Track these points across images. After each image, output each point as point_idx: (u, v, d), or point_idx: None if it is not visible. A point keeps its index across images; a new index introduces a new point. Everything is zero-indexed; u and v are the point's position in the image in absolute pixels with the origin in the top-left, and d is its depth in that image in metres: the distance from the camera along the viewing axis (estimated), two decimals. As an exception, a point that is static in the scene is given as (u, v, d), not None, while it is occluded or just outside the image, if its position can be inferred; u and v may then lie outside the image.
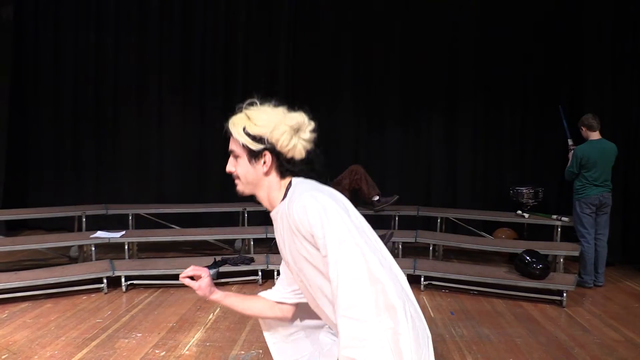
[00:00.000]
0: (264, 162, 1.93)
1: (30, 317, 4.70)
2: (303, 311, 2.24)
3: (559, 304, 5.29)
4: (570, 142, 6.25)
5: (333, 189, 1.99)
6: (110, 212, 6.90)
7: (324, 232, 1.74)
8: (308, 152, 1.95)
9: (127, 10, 7.88)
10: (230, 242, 6.99)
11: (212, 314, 4.86)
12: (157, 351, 4.06)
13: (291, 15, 7.81)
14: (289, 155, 1.93)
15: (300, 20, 7.88)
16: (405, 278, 1.94)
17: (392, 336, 1.69)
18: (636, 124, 6.92)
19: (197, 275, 2.18)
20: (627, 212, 6.92)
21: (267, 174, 1.95)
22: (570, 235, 6.34)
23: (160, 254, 6.71)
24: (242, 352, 4.05)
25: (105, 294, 5.38)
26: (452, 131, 7.85)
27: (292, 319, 2.27)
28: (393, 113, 7.86)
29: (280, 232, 1.97)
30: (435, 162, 7.89)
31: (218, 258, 5.91)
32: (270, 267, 5.77)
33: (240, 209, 7.02)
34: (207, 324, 4.62)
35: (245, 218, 6.96)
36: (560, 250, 6.05)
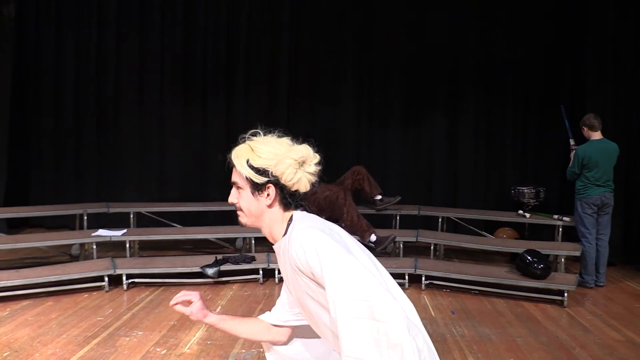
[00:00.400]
0: (268, 195, 1.90)
1: (32, 315, 4.71)
2: (305, 333, 2.21)
3: (560, 304, 5.29)
4: (572, 142, 6.25)
5: (334, 224, 1.96)
6: (112, 210, 6.90)
7: (322, 271, 1.70)
8: (312, 185, 1.92)
9: (128, 9, 7.88)
10: (232, 241, 6.99)
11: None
12: (158, 349, 4.07)
13: (292, 16, 7.81)
14: (294, 188, 1.90)
15: (301, 21, 7.88)
16: (413, 310, 1.90)
17: None
18: (638, 124, 6.91)
19: (187, 300, 2.15)
20: (629, 212, 6.92)
21: (270, 206, 1.92)
22: (571, 235, 6.34)
23: (161, 253, 6.72)
24: (243, 351, 4.06)
25: (107, 292, 5.38)
26: (453, 131, 7.85)
27: (289, 341, 2.26)
28: (394, 113, 7.86)
29: (283, 267, 1.96)
30: (437, 161, 7.89)
31: (219, 257, 5.92)
32: (272, 265, 5.77)
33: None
34: (208, 323, 4.62)
35: (247, 217, 6.94)
36: (562, 250, 6.04)
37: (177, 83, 7.94)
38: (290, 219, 1.92)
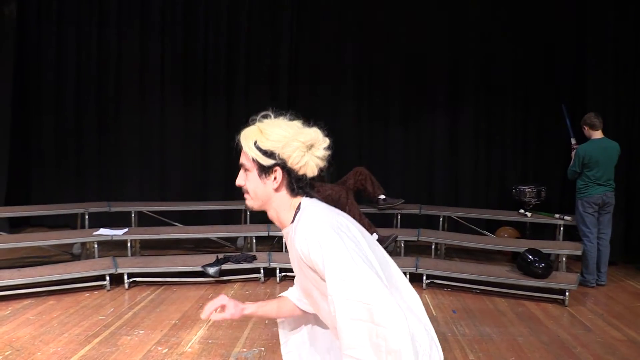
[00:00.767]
0: (275, 178, 1.85)
1: (33, 314, 4.72)
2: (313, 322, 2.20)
3: (561, 303, 5.29)
4: (573, 141, 6.24)
5: (345, 214, 1.91)
6: (113, 209, 6.91)
7: (324, 268, 1.67)
8: (321, 170, 1.86)
9: (129, 8, 7.89)
10: (233, 240, 7.00)
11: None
12: (159, 348, 4.07)
13: (293, 16, 7.81)
14: (300, 172, 1.84)
15: (302, 21, 7.88)
16: (420, 304, 1.91)
17: None
18: (638, 123, 6.90)
19: (220, 306, 2.14)
20: (630, 212, 6.92)
21: (277, 190, 1.87)
22: (572, 234, 6.34)
23: (162, 252, 6.73)
24: (245, 350, 4.06)
25: (108, 291, 5.39)
26: (454, 130, 7.85)
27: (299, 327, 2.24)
28: (394, 113, 7.86)
29: (291, 253, 1.92)
30: (438, 161, 7.89)
31: (220, 256, 5.93)
32: (273, 265, 5.77)
33: (242, 207, 7.01)
34: (209, 322, 4.63)
35: (248, 216, 6.96)
36: (563, 249, 6.04)
37: (177, 82, 7.95)
38: (299, 207, 1.87)
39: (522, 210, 6.79)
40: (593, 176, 5.76)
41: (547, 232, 6.86)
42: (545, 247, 5.89)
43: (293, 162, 1.82)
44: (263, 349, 4.06)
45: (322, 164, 1.86)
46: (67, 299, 5.14)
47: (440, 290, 5.60)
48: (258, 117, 1.92)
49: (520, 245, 5.96)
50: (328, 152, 1.88)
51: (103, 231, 6.12)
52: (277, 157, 1.82)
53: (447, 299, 5.39)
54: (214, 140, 7.94)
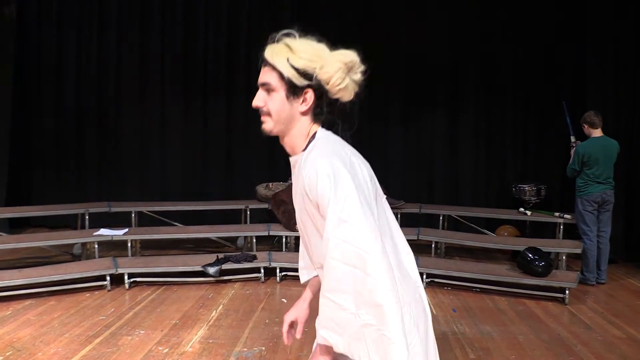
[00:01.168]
0: (304, 101, 1.73)
1: (34, 315, 4.72)
2: None
3: (562, 301, 5.29)
4: (572, 138, 6.25)
5: (360, 155, 1.82)
6: (113, 209, 6.91)
7: (328, 204, 1.57)
8: (357, 96, 1.76)
9: (129, 9, 7.89)
10: (233, 240, 7.00)
11: (214, 312, 4.88)
12: (160, 348, 4.08)
13: (293, 16, 7.81)
14: (337, 95, 1.73)
15: (302, 20, 7.85)
16: (412, 259, 1.83)
17: (377, 337, 1.53)
18: (638, 122, 6.90)
19: (292, 322, 2.03)
20: (630, 210, 6.92)
21: (303, 114, 1.75)
22: (572, 232, 6.34)
23: (163, 252, 6.73)
24: (245, 349, 4.07)
25: (109, 291, 5.39)
26: (454, 129, 7.86)
27: None
28: (395, 111, 7.86)
29: (295, 182, 1.81)
30: (437, 160, 7.89)
31: (220, 256, 5.93)
32: (273, 264, 5.77)
33: (242, 207, 7.02)
34: (210, 321, 4.63)
35: (248, 216, 6.96)
36: (563, 247, 6.05)
37: (177, 82, 7.96)
38: (314, 135, 1.77)
39: (522, 209, 6.80)
40: (592, 174, 5.77)
41: (547, 230, 6.87)
42: (545, 245, 5.90)
43: (333, 84, 1.71)
44: (263, 348, 4.06)
45: (357, 89, 1.77)
46: (67, 299, 5.14)
47: (441, 289, 5.61)
48: (278, 36, 1.78)
49: (520, 244, 5.97)
50: (363, 78, 1.79)
51: (103, 231, 6.12)
52: (312, 78, 1.71)
53: (447, 297, 5.39)
54: (214, 140, 7.95)
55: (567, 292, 5.28)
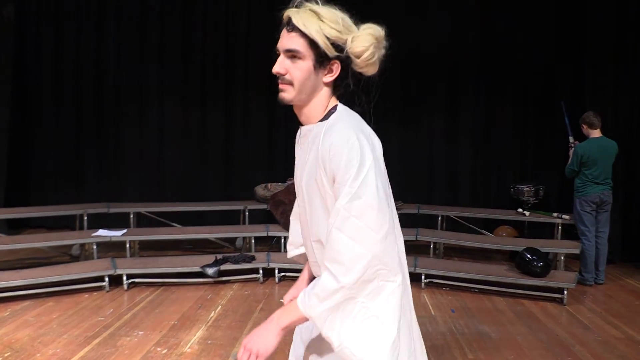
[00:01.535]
0: (329, 72, 1.69)
1: (33, 316, 4.72)
2: None
3: (560, 301, 5.30)
4: (571, 138, 6.26)
5: (375, 137, 1.84)
6: (112, 210, 6.90)
7: (346, 180, 1.55)
8: (382, 70, 1.75)
9: (127, 10, 7.88)
10: (232, 241, 6.99)
11: (213, 312, 4.88)
12: (158, 349, 4.08)
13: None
14: (363, 70, 1.71)
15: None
16: (404, 250, 1.81)
17: (369, 318, 1.55)
18: (637, 122, 6.91)
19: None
20: (628, 210, 6.93)
21: (327, 85, 1.72)
22: (571, 233, 6.35)
23: (161, 252, 6.73)
24: (244, 350, 4.06)
25: (107, 292, 5.39)
26: (453, 129, 7.86)
27: None
28: (394, 111, 7.86)
29: (306, 151, 1.76)
30: (436, 160, 7.90)
31: (219, 256, 5.93)
32: (271, 265, 5.78)
33: (241, 208, 7.02)
34: (208, 322, 4.64)
35: (247, 216, 6.96)
36: (561, 248, 6.05)
37: (176, 84, 7.95)
38: (334, 107, 1.75)
39: (520, 210, 6.80)
40: (591, 175, 5.78)
41: (545, 231, 6.88)
42: (544, 246, 5.90)
43: (365, 59, 1.69)
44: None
45: (381, 64, 1.75)
46: (66, 300, 5.14)
47: (439, 290, 5.61)
48: (298, 1, 1.71)
49: (519, 244, 5.97)
50: (386, 53, 1.76)
51: (102, 232, 6.12)
52: (343, 50, 1.67)
53: (445, 298, 5.39)
54: (212, 140, 7.94)
55: (565, 292, 5.29)
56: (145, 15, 7.90)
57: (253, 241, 6.42)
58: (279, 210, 6.39)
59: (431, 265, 5.79)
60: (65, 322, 4.59)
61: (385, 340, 1.55)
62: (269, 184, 7.00)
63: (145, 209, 7.06)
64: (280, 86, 1.71)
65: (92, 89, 7.99)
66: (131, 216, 6.85)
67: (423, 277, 5.63)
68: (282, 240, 6.34)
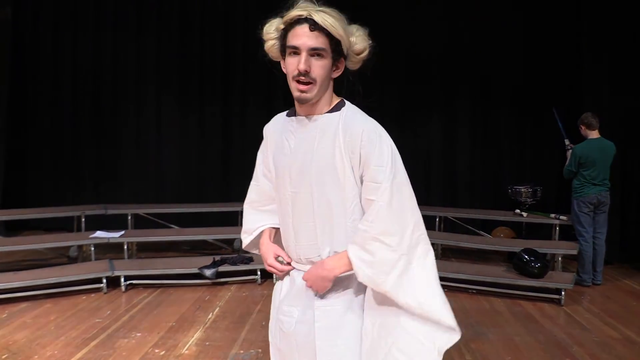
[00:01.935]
0: (337, 69, 1.84)
1: (30, 317, 4.71)
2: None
3: (558, 302, 5.30)
4: (567, 141, 6.26)
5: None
6: (110, 212, 6.90)
7: (387, 162, 1.81)
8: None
9: (125, 12, 7.89)
10: (229, 242, 6.99)
11: (211, 314, 4.87)
12: (156, 350, 4.07)
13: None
14: (354, 66, 1.89)
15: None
16: None
17: (425, 277, 1.81)
18: (634, 123, 6.92)
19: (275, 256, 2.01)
20: (626, 211, 6.94)
21: (333, 81, 1.86)
22: (568, 233, 6.35)
23: (159, 254, 6.72)
24: (242, 351, 4.07)
25: (105, 293, 5.38)
26: (451, 130, 7.87)
27: None
28: (391, 113, 7.85)
29: (308, 139, 1.85)
30: (434, 161, 7.90)
31: (217, 258, 5.92)
32: (270, 266, 5.76)
33: (239, 209, 6.99)
34: (206, 324, 4.63)
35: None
36: (559, 249, 6.06)
37: (174, 84, 7.95)
38: (342, 101, 1.90)
39: (518, 210, 6.81)
40: (589, 176, 5.78)
41: (543, 231, 6.88)
42: (541, 246, 5.90)
43: (362, 56, 1.87)
44: (260, 350, 4.06)
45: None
46: (63, 302, 5.13)
47: (437, 291, 5.60)
48: (303, 2, 1.79)
49: (517, 245, 5.97)
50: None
51: (99, 234, 6.11)
52: (346, 48, 1.83)
53: (443, 299, 5.38)
54: (210, 142, 7.94)
55: (563, 293, 5.30)
56: (143, 16, 7.90)
57: (251, 242, 6.41)
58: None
59: (429, 266, 5.77)
60: (62, 323, 4.58)
61: (440, 293, 1.84)
62: (266, 185, 6.98)
63: (143, 210, 7.06)
64: (301, 86, 1.77)
65: (90, 90, 7.99)
66: (129, 217, 6.84)
67: (421, 278, 5.62)
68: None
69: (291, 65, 1.79)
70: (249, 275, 5.83)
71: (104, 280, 5.42)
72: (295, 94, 1.80)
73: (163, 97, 7.98)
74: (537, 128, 7.63)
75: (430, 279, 1.82)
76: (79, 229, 6.73)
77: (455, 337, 1.83)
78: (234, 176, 7.88)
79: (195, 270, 5.66)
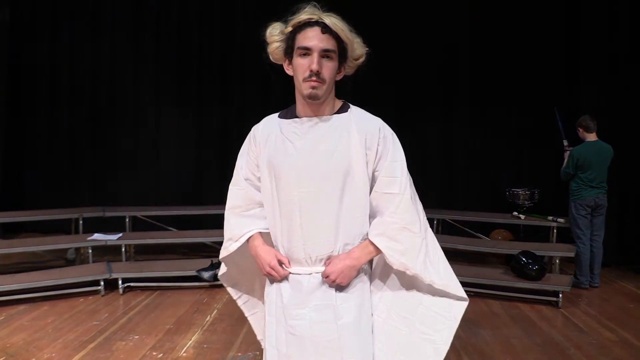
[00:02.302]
0: (340, 71, 1.95)
1: (28, 320, 4.70)
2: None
3: (555, 304, 5.31)
4: (565, 142, 6.27)
5: None
6: (107, 214, 6.88)
7: (401, 158, 2.01)
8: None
9: (123, 13, 7.89)
10: (228, 244, 6.97)
11: (209, 316, 4.87)
12: (154, 353, 4.07)
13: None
14: (350, 71, 1.99)
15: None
16: None
17: (439, 255, 2.10)
18: (632, 126, 6.93)
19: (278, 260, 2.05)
20: (623, 214, 6.95)
21: (336, 82, 1.96)
22: (566, 236, 6.36)
23: (157, 256, 6.72)
24: (239, 354, 4.06)
25: (103, 296, 5.38)
26: (448, 133, 7.87)
27: None
28: (388, 114, 7.80)
29: (324, 134, 1.94)
30: (431, 164, 7.90)
31: (215, 260, 5.91)
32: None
33: (237, 211, 7.00)
34: (204, 326, 4.63)
35: (243, 220, 6.94)
36: (556, 251, 6.06)
37: (172, 86, 7.95)
38: (346, 102, 2.01)
39: (515, 213, 6.82)
40: (586, 178, 5.79)
41: (540, 234, 6.88)
42: (539, 249, 5.91)
43: (360, 61, 1.99)
44: (257, 353, 4.06)
45: None
46: (61, 304, 5.13)
47: (435, 293, 5.61)
48: (311, 7, 1.91)
49: (514, 248, 5.98)
50: None
51: (97, 236, 6.11)
52: (349, 53, 1.94)
53: (441, 301, 5.39)
54: (208, 144, 7.94)
55: (560, 295, 5.30)
56: (140, 19, 7.90)
57: (249, 245, 6.40)
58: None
59: (427, 269, 5.78)
60: (60, 326, 4.58)
61: (449, 266, 2.16)
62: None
63: (141, 212, 7.05)
64: (314, 84, 1.86)
65: (87, 92, 7.99)
66: (127, 220, 6.84)
67: (419, 280, 5.63)
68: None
69: (302, 66, 1.86)
70: (246, 277, 5.81)
71: (102, 283, 5.41)
72: (307, 91, 1.87)
73: (161, 99, 7.98)
74: (535, 130, 7.63)
75: (440, 253, 2.07)
76: (76, 231, 6.72)
77: (465, 304, 2.19)
78: (232, 178, 7.87)
79: (193, 273, 5.66)
